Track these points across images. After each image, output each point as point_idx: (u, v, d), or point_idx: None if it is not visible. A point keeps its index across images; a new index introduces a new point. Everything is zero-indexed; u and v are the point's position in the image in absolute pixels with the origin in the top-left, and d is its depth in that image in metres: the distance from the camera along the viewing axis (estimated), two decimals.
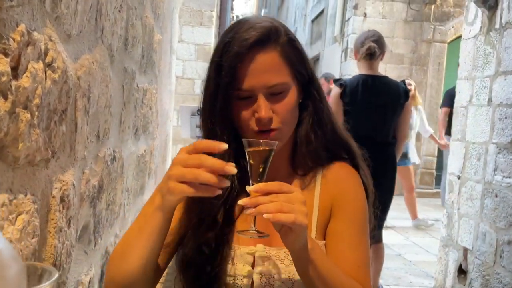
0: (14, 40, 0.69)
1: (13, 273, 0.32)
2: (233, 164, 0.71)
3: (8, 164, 0.72)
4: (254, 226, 0.76)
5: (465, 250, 3.17)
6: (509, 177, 2.76)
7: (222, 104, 0.89)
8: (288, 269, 0.88)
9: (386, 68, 7.31)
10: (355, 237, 0.90)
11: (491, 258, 2.87)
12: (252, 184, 0.76)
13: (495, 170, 2.90)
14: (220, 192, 0.72)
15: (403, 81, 2.99)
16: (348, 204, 0.92)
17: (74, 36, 0.98)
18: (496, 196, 2.87)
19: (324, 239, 0.91)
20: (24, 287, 0.32)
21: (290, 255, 0.80)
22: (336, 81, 2.88)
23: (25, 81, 0.73)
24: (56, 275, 0.44)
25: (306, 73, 0.94)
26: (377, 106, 2.77)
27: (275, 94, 0.88)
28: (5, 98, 0.68)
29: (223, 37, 0.91)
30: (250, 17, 0.93)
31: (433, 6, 7.23)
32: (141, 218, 0.81)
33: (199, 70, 7.04)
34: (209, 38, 7.13)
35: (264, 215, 0.69)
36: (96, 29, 1.14)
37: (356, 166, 0.99)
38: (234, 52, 0.85)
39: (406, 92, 2.87)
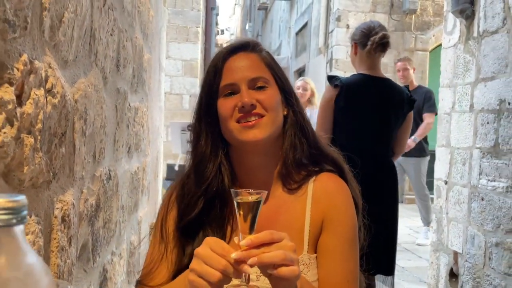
0: (18, 69, 0.73)
1: (46, 284, 0.36)
2: (250, 271, 0.71)
3: (14, 187, 0.75)
4: (244, 280, 0.75)
5: (455, 253, 3.23)
6: (494, 181, 2.84)
7: (208, 103, 0.94)
8: None
9: None
10: (345, 252, 0.93)
11: (481, 261, 2.93)
12: (242, 235, 0.74)
13: (480, 174, 2.98)
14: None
15: (407, 86, 2.56)
16: (339, 219, 0.94)
17: (70, 61, 1.02)
18: (482, 199, 2.95)
19: (315, 252, 0.93)
20: None
21: None
22: (330, 78, 2.32)
23: (28, 107, 0.77)
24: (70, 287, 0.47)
25: (286, 83, 0.99)
26: (380, 115, 2.30)
27: (257, 88, 0.93)
28: (11, 125, 0.71)
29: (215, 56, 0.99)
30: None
31: (413, 16, 7.41)
32: None
33: (187, 85, 7.09)
34: (196, 53, 7.20)
35: (269, 271, 0.70)
36: (90, 54, 1.18)
37: (344, 179, 1.01)
38: (219, 56, 0.96)
39: (410, 100, 2.43)
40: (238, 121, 0.91)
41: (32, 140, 0.79)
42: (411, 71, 4.58)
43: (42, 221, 0.86)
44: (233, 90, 0.93)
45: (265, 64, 0.97)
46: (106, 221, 1.45)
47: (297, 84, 4.43)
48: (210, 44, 9.40)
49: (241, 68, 0.94)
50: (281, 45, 13.02)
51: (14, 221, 0.34)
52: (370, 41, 2.29)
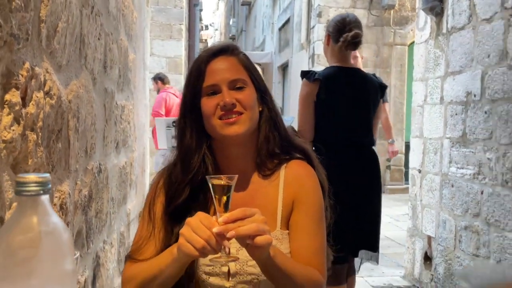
0: (22, 75, 0.85)
1: (66, 237, 0.49)
2: (229, 245, 0.86)
3: None
4: (225, 253, 0.88)
5: (429, 238, 3.43)
6: (462, 168, 3.03)
7: (192, 101, 1.06)
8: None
9: None
10: (313, 228, 1.07)
11: (452, 244, 3.12)
12: (218, 214, 0.87)
13: (450, 162, 3.17)
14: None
15: (374, 75, 2.59)
16: (307, 200, 1.09)
17: (64, 66, 1.14)
18: (452, 186, 3.13)
19: (287, 229, 1.08)
20: (73, 248, 0.49)
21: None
22: (305, 74, 2.31)
23: (31, 108, 0.89)
24: (78, 253, 0.60)
25: (261, 83, 1.12)
26: (361, 104, 2.34)
27: (236, 89, 1.05)
28: (18, 123, 0.84)
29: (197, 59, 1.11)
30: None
31: (392, 11, 7.60)
32: (163, 263, 0.93)
33: (171, 82, 7.16)
34: (179, 50, 7.27)
35: (248, 241, 0.84)
36: (80, 57, 1.30)
37: (312, 165, 1.16)
38: (201, 59, 1.07)
39: (382, 87, 2.48)
40: (220, 118, 1.03)
41: (35, 136, 0.91)
42: (360, 59, 4.49)
43: None
44: (215, 90, 1.04)
45: (242, 66, 1.08)
46: (98, 211, 1.57)
47: None
48: (194, 40, 9.47)
49: (221, 71, 1.05)
50: (265, 41, 13.13)
51: (42, 191, 0.47)
52: (343, 38, 2.29)
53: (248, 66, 1.10)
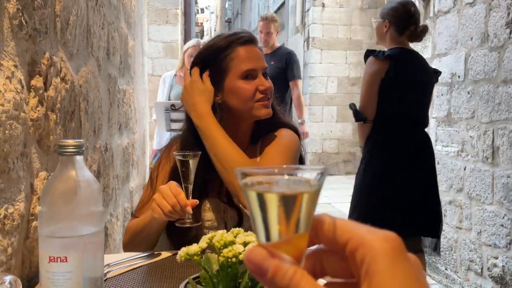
0: (43, 64, 1.00)
1: (97, 188, 0.64)
2: (191, 211, 1.02)
3: (43, 150, 1.03)
4: (189, 218, 1.04)
5: None
6: (447, 146, 3.19)
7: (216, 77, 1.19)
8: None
9: (346, 55, 7.73)
10: (278, 156, 1.20)
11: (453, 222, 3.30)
12: (183, 184, 1.04)
13: (436, 141, 3.33)
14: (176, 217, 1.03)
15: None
16: (280, 140, 1.23)
17: (75, 54, 1.28)
18: (438, 163, 3.30)
19: None
20: (101, 195, 0.65)
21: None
22: (372, 52, 2.30)
23: (51, 92, 1.04)
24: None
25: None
26: (423, 85, 2.37)
27: (264, 76, 1.19)
28: (42, 105, 0.98)
29: (215, 42, 1.22)
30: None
31: None
32: (146, 220, 1.10)
33: (168, 66, 7.25)
34: (176, 35, 7.36)
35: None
36: (87, 46, 1.44)
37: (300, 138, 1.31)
38: (233, 44, 1.18)
39: (436, 72, 2.50)
40: (258, 101, 1.17)
41: (55, 116, 1.06)
42: (275, 34, 4.12)
43: None
44: (251, 75, 1.17)
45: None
46: (105, 186, 1.73)
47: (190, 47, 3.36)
48: (190, 25, 9.52)
49: (258, 58, 1.19)
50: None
51: (78, 152, 0.62)
52: (410, 31, 2.30)
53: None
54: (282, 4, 9.92)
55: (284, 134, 1.25)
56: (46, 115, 1.01)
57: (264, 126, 1.25)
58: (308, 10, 7.87)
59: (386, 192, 2.27)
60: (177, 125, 2.92)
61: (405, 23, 2.30)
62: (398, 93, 2.28)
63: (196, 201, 1.03)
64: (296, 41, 8.57)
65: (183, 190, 1.03)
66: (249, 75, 1.17)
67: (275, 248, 0.29)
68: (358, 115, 2.32)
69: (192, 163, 1.04)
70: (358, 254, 0.29)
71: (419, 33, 2.33)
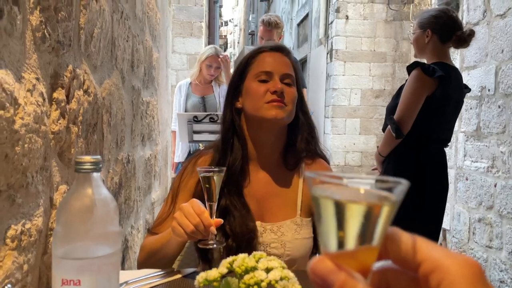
0: (66, 76, 0.99)
1: (113, 206, 0.62)
2: (215, 231, 0.95)
3: (65, 164, 1.02)
4: (212, 239, 0.96)
5: (444, 230, 3.48)
6: (477, 162, 3.08)
7: (237, 82, 1.19)
8: (280, 239, 1.15)
9: (370, 67, 7.64)
10: None
11: (466, 236, 3.18)
12: (207, 202, 0.97)
13: (464, 156, 3.22)
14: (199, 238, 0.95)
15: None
16: None
17: (98, 67, 1.28)
18: (467, 179, 3.18)
19: (307, 217, 1.19)
20: (118, 214, 0.62)
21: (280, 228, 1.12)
22: (422, 67, 2.13)
23: (73, 104, 1.03)
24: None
25: (300, 89, 1.22)
26: (458, 103, 2.27)
27: (285, 83, 1.15)
28: (63, 117, 0.98)
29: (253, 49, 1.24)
30: None
31: (411, 6, 7.57)
32: (164, 240, 1.05)
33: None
34: (200, 47, 7.43)
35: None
36: (112, 58, 1.44)
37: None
38: (260, 49, 1.20)
39: (465, 86, 2.37)
40: (268, 102, 1.12)
41: (76, 129, 1.05)
42: (277, 41, 3.94)
43: None
44: (267, 78, 1.15)
45: (293, 68, 1.21)
46: (127, 198, 1.72)
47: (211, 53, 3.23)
48: (214, 37, 9.61)
49: (278, 62, 1.18)
50: (283, 36, 13.18)
51: (95, 169, 0.60)
52: (456, 37, 2.19)
53: (297, 70, 1.23)
54: (305, 17, 9.93)
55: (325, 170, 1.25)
56: (68, 128, 1.00)
57: (300, 147, 1.21)
58: (331, 22, 7.84)
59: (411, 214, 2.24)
60: (199, 137, 2.91)
61: (450, 29, 2.20)
62: (436, 113, 2.19)
63: (221, 221, 0.98)
64: (319, 53, 8.54)
65: (206, 209, 0.97)
66: (265, 80, 1.15)
67: (341, 260, 0.28)
68: (399, 132, 2.20)
69: (217, 180, 0.98)
70: (434, 277, 0.27)
71: (467, 38, 2.21)
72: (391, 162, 2.31)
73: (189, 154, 3.27)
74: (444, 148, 2.33)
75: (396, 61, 7.56)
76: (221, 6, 20.38)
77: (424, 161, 2.24)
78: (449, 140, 2.34)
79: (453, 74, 2.23)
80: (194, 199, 0.99)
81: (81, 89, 1.08)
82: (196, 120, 2.84)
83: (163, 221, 1.16)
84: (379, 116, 7.71)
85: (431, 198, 2.23)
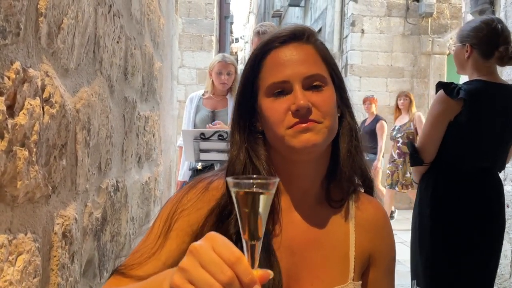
0: (9, 78, 0.69)
1: None
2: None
3: (6, 203, 0.71)
4: None
5: None
6: None
7: (248, 102, 0.81)
8: None
9: (387, 82, 7.32)
10: (390, 284, 0.90)
11: (507, 270, 2.81)
12: (244, 237, 0.56)
13: (505, 179, 2.86)
14: None
15: None
16: (386, 252, 0.89)
17: (72, 70, 0.98)
18: (508, 206, 2.82)
19: (359, 280, 0.85)
20: None
21: None
22: (446, 87, 1.88)
23: (21, 118, 0.73)
24: None
25: (341, 79, 0.85)
26: (508, 128, 1.95)
27: (312, 88, 0.79)
28: (1, 137, 0.67)
29: (260, 43, 0.85)
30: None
31: (430, 19, 7.28)
32: None
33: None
34: (210, 62, 7.21)
35: None
36: (94, 62, 1.14)
37: (372, 193, 0.90)
38: (266, 46, 0.81)
39: None
40: (290, 127, 0.77)
41: (26, 153, 0.74)
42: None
43: (39, 238, 0.81)
44: (284, 89, 0.78)
45: (321, 58, 0.82)
46: (114, 234, 1.40)
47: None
48: (225, 52, 9.42)
49: (294, 63, 0.79)
50: None
51: None
52: (499, 53, 1.89)
53: (327, 57, 0.83)
54: (319, 32, 9.69)
55: (391, 229, 0.90)
56: (11, 152, 0.70)
57: (344, 169, 0.83)
58: (346, 36, 7.57)
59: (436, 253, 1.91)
60: (207, 156, 2.60)
61: (492, 43, 1.89)
62: (466, 141, 1.89)
63: (270, 273, 0.54)
64: None
65: (243, 252, 0.54)
66: (281, 92, 0.79)
67: None
68: (414, 159, 1.95)
69: (266, 200, 0.56)
70: None
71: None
72: (420, 189, 2.02)
73: (196, 172, 2.96)
74: (494, 177, 1.98)
75: (414, 76, 7.23)
76: (232, 23, 20.37)
77: (457, 191, 1.90)
78: (494, 167, 1.98)
79: (497, 94, 1.90)
80: (215, 233, 0.55)
81: (37, 97, 0.78)
82: (203, 137, 2.54)
83: (143, 261, 0.76)
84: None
85: (473, 237, 1.88)
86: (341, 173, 0.83)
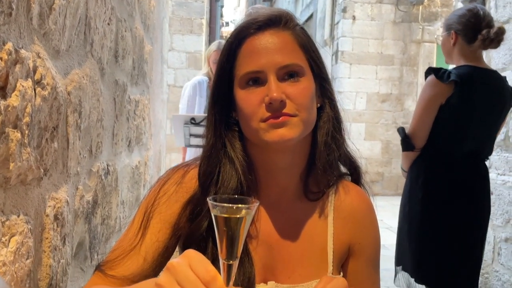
0: (1, 59, 0.68)
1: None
2: None
3: None
4: None
5: None
6: (504, 175, 2.78)
7: (223, 91, 0.79)
8: None
9: (376, 70, 7.35)
10: (374, 277, 0.88)
11: (490, 256, 2.88)
12: (220, 255, 0.57)
13: (490, 167, 2.91)
14: None
15: (505, 77, 2.12)
16: (368, 242, 0.87)
17: (63, 51, 0.97)
18: (492, 193, 2.88)
19: (339, 273, 0.85)
20: None
21: None
22: (436, 72, 1.90)
23: (14, 100, 0.72)
24: None
25: (322, 67, 0.82)
26: (495, 111, 1.99)
27: (288, 78, 0.76)
28: None
29: (234, 29, 0.82)
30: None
31: (420, 7, 7.29)
32: None
33: (191, 77, 7.02)
34: (200, 45, 7.14)
35: None
36: (85, 43, 1.13)
37: (361, 182, 0.89)
38: (240, 34, 0.78)
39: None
40: (264, 121, 0.75)
41: (19, 134, 0.74)
42: None
43: (32, 220, 0.81)
44: (258, 79, 0.76)
45: (299, 45, 0.78)
46: (105, 218, 1.41)
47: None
48: (215, 36, 9.33)
49: (269, 51, 0.75)
50: None
51: None
52: (482, 36, 1.92)
53: (306, 44, 0.79)
54: (310, 17, 9.64)
55: (374, 219, 0.87)
56: (3, 134, 0.69)
57: (328, 160, 0.81)
58: (337, 23, 7.54)
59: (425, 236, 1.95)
60: (197, 141, 2.60)
61: (474, 27, 1.93)
62: (458, 124, 1.92)
63: None
64: (324, 55, 8.23)
65: (219, 271, 0.56)
66: (255, 81, 0.76)
67: None
68: (406, 144, 1.96)
69: (246, 222, 0.57)
70: None
71: (494, 36, 1.92)
72: (410, 175, 2.04)
73: None
74: (482, 164, 2.02)
75: (404, 64, 7.26)
76: (222, 6, 20.11)
77: (448, 177, 1.94)
78: (482, 152, 2.02)
79: (484, 78, 1.93)
80: (193, 251, 0.57)
81: (29, 79, 0.77)
82: (193, 122, 2.54)
83: (125, 256, 0.76)
84: (385, 121, 7.40)
85: (461, 224, 1.93)
86: (316, 166, 0.81)
